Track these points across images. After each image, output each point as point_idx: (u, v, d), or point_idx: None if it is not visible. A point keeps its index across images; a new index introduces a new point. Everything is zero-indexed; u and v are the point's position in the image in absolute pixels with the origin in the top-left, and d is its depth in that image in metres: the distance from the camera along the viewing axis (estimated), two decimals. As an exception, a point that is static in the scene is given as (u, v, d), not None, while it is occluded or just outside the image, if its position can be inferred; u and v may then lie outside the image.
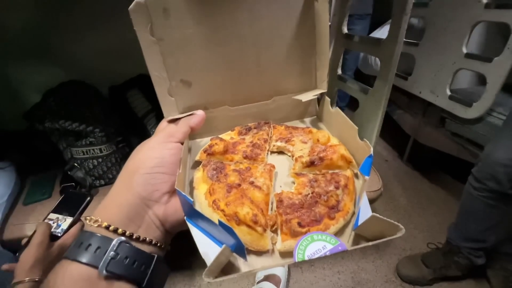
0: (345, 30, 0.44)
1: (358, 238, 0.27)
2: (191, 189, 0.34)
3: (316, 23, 0.39)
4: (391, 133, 1.58)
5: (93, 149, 0.89)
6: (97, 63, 1.01)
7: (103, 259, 0.22)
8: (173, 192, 0.28)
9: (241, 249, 0.23)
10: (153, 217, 0.27)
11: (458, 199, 0.94)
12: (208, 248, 0.24)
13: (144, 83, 1.04)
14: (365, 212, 0.25)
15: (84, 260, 0.22)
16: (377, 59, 0.46)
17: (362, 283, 1.01)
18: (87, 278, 0.22)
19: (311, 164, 0.34)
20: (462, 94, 1.05)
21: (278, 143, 0.40)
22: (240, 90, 0.42)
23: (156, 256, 0.26)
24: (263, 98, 0.44)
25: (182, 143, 0.32)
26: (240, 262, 0.26)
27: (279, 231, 0.28)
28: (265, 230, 0.27)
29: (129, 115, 1.02)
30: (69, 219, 0.53)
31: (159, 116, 0.36)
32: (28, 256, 0.45)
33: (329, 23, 0.38)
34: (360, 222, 0.25)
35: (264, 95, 0.44)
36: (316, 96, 0.45)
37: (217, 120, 0.42)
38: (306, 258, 0.23)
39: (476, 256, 0.90)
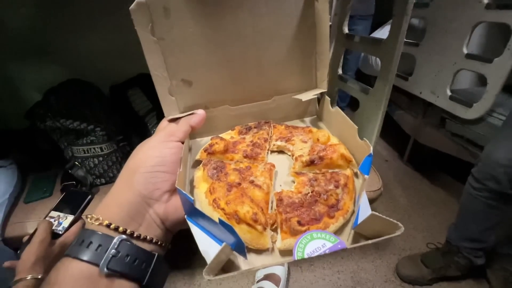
0: (346, 30, 0.45)
1: (357, 236, 0.28)
2: (192, 188, 0.34)
3: (316, 23, 0.39)
4: (391, 133, 1.58)
5: (94, 148, 0.89)
6: (98, 62, 1.01)
7: (104, 257, 0.23)
8: (173, 190, 0.29)
9: (241, 248, 0.23)
10: (153, 216, 0.27)
11: (458, 200, 0.94)
12: (209, 247, 0.24)
13: (145, 82, 1.04)
14: (365, 211, 0.25)
15: (85, 258, 0.22)
16: (377, 59, 0.46)
17: (361, 282, 1.01)
18: (88, 276, 0.22)
19: (311, 163, 0.34)
20: (463, 94, 1.05)
21: (278, 143, 0.40)
22: (241, 90, 0.42)
23: (156, 254, 0.26)
24: (263, 98, 0.44)
25: (182, 142, 0.32)
26: (240, 260, 0.26)
27: (279, 230, 0.29)
28: (265, 229, 0.27)
29: (130, 114, 1.02)
30: (70, 217, 0.53)
31: (160, 115, 0.36)
32: (30, 253, 0.45)
33: (330, 23, 0.39)
34: (359, 221, 0.25)
35: (264, 95, 0.44)
36: (316, 96, 0.45)
37: (217, 119, 0.42)
38: (306, 256, 0.23)
39: (476, 256, 0.90)
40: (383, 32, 1.47)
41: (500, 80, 0.85)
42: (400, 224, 0.23)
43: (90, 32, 0.97)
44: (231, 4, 0.35)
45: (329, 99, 0.43)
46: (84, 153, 0.89)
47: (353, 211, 0.30)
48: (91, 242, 0.23)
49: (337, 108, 0.41)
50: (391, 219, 0.23)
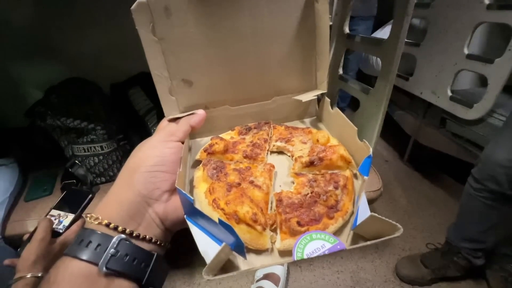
0: (346, 30, 0.45)
1: (356, 237, 0.28)
2: (191, 188, 0.34)
3: (316, 24, 0.39)
4: (392, 133, 1.58)
5: (94, 147, 0.89)
6: (99, 61, 1.01)
7: (103, 256, 0.23)
8: (173, 190, 0.29)
9: (240, 248, 0.24)
10: (153, 215, 0.27)
11: (458, 200, 0.94)
12: (208, 247, 0.24)
13: (145, 81, 1.04)
14: (364, 212, 0.25)
15: (84, 257, 0.22)
16: (378, 59, 0.46)
17: (361, 282, 1.01)
18: (87, 275, 0.22)
19: (310, 164, 0.34)
20: (463, 95, 1.05)
21: (278, 143, 0.40)
22: (241, 90, 0.42)
23: (156, 254, 0.26)
24: (263, 98, 0.44)
25: (182, 142, 0.32)
26: (239, 260, 0.26)
27: (278, 230, 0.29)
28: (264, 229, 0.28)
29: (131, 113, 1.02)
30: (71, 216, 0.53)
31: (160, 114, 0.36)
32: (30, 252, 0.45)
33: (331, 23, 0.39)
34: (358, 222, 0.25)
35: (264, 95, 0.44)
36: (316, 97, 0.45)
37: (217, 119, 0.42)
38: (305, 257, 0.23)
39: (475, 257, 0.90)
40: (384, 32, 1.46)
41: (501, 80, 0.85)
42: (399, 226, 0.23)
43: (91, 31, 0.97)
44: (232, 4, 0.35)
45: (329, 100, 0.43)
46: (85, 151, 0.89)
47: (352, 212, 0.30)
48: (90, 242, 0.23)
49: (336, 109, 0.41)
50: (390, 221, 0.23)
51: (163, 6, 0.32)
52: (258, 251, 0.27)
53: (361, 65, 1.73)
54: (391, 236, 0.23)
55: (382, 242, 0.24)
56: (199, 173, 0.35)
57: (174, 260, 0.95)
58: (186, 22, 0.34)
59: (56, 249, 0.48)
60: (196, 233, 0.25)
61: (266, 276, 0.95)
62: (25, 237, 0.50)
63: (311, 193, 0.31)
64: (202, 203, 0.31)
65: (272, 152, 0.40)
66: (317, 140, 0.37)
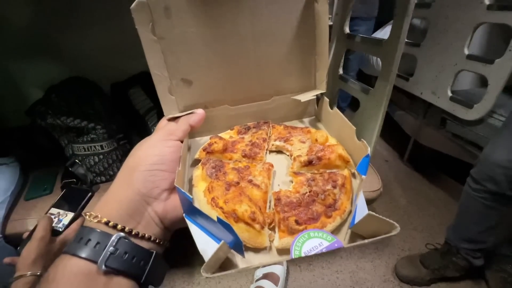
0: (347, 30, 0.45)
1: (354, 236, 0.28)
2: (190, 186, 0.34)
3: (316, 24, 0.39)
4: (392, 133, 1.58)
5: (95, 146, 0.89)
6: (99, 60, 1.01)
7: (102, 254, 0.23)
8: (172, 189, 0.29)
9: (239, 246, 0.24)
10: (152, 214, 0.28)
11: (457, 201, 0.94)
12: (207, 245, 0.25)
13: (146, 81, 1.04)
14: (362, 210, 0.26)
15: (83, 255, 0.23)
16: (378, 59, 0.46)
17: (360, 282, 1.01)
18: (86, 273, 0.22)
19: (309, 163, 0.34)
20: (463, 95, 1.05)
21: (277, 143, 0.40)
22: (240, 90, 0.42)
23: (154, 252, 0.26)
24: (262, 98, 0.44)
25: (182, 141, 0.32)
26: (238, 258, 0.26)
27: (276, 229, 0.29)
28: (263, 228, 0.28)
29: (131, 112, 1.02)
30: (70, 215, 0.54)
31: (160, 114, 0.36)
32: (30, 250, 0.45)
33: (331, 23, 0.39)
34: (356, 221, 0.25)
35: (263, 95, 0.44)
36: (315, 97, 0.45)
37: (216, 119, 0.43)
38: (303, 255, 0.24)
39: (474, 257, 0.90)
40: (384, 33, 1.46)
41: (501, 81, 0.85)
42: (396, 224, 0.23)
43: (91, 30, 0.97)
44: (232, 4, 0.35)
45: (328, 100, 0.43)
46: (85, 151, 0.89)
47: (350, 211, 0.30)
48: (89, 240, 0.23)
49: (335, 109, 0.41)
50: (388, 219, 0.23)
51: (163, 5, 0.32)
52: (257, 250, 0.28)
53: (362, 65, 1.73)
54: (388, 234, 0.24)
55: (381, 241, 0.24)
56: (198, 172, 0.35)
57: (174, 259, 0.95)
58: (186, 22, 0.34)
59: (56, 248, 0.48)
60: (195, 231, 0.26)
61: (266, 276, 0.95)
62: (25, 235, 0.50)
63: (309, 192, 0.31)
64: (201, 201, 0.31)
65: (271, 151, 0.41)
66: (316, 140, 0.37)
